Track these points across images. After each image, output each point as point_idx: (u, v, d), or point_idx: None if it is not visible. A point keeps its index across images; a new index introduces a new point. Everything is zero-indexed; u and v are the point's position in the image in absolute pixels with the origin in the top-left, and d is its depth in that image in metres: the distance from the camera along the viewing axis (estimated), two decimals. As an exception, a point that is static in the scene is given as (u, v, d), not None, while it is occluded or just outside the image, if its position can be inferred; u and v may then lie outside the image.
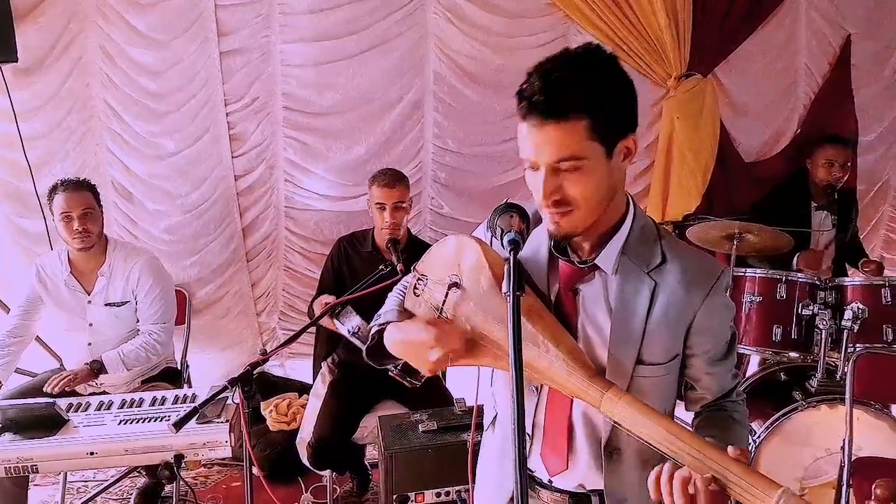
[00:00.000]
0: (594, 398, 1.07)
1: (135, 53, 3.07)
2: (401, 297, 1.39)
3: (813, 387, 2.68)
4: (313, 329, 3.37)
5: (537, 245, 1.23)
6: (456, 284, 1.22)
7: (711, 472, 0.94)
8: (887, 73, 3.90)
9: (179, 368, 2.95)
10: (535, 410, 1.27)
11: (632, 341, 1.15)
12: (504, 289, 0.98)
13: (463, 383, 2.47)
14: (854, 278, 2.79)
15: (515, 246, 1.06)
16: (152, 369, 2.80)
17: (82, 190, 2.63)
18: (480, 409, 1.42)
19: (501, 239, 1.09)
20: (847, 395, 2.40)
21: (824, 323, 2.61)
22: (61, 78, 3.06)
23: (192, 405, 1.65)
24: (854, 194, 3.68)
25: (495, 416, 1.39)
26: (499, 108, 3.29)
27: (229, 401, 2.17)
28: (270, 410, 3.33)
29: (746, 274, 2.82)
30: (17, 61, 2.79)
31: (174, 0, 3.02)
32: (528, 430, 1.28)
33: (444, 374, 2.91)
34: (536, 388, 1.26)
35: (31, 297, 2.69)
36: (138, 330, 2.74)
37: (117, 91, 3.11)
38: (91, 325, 2.68)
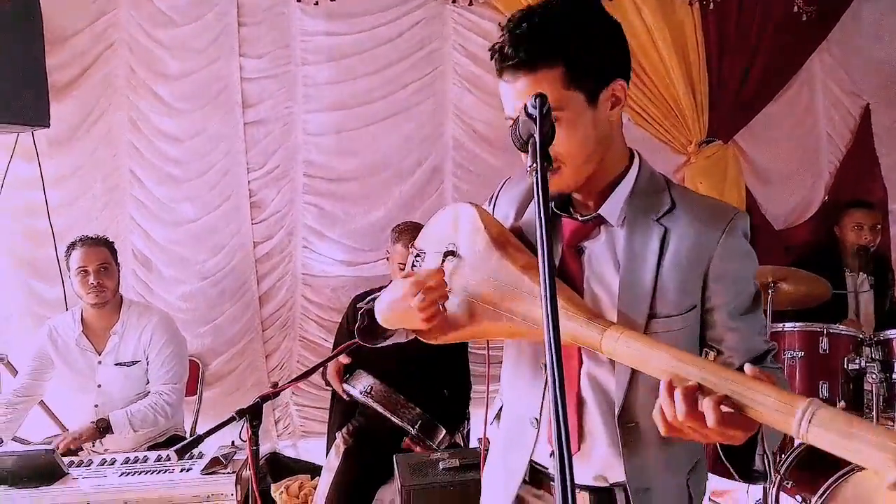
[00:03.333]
0: (594, 339, 0.98)
1: (160, 121, 3.25)
2: None
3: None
4: (327, 402, 3.32)
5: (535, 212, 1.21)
6: (452, 253, 1.19)
7: (724, 393, 0.84)
8: (910, 141, 3.96)
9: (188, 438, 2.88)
10: (544, 392, 1.18)
11: (643, 294, 1.09)
12: (528, 161, 0.91)
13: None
14: (901, 330, 2.70)
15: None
16: (159, 435, 2.74)
17: (99, 246, 2.70)
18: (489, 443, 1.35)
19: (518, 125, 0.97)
20: None
21: (874, 377, 2.52)
22: (91, 148, 3.23)
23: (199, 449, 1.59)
24: (889, 261, 3.64)
25: (500, 409, 1.32)
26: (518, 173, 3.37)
27: (237, 440, 2.09)
28: (281, 492, 3.21)
29: (785, 328, 2.76)
30: (48, 126, 2.96)
31: (201, 72, 3.23)
32: (536, 413, 1.19)
33: (466, 437, 2.80)
34: (545, 366, 1.19)
35: (42, 357, 2.70)
36: (147, 392, 2.70)
37: (142, 159, 3.26)
38: (99, 385, 2.66)
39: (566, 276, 1.14)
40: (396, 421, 2.54)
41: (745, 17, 3.57)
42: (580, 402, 1.16)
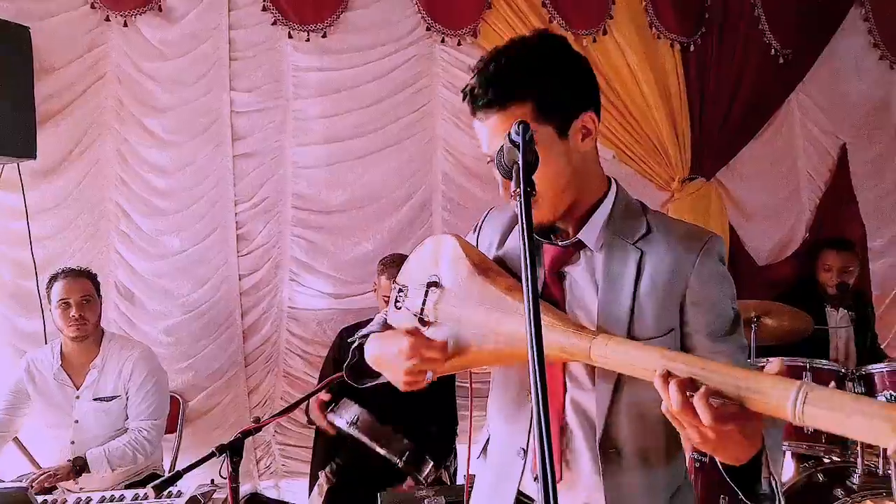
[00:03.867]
0: (583, 348, 0.99)
1: (148, 154, 3.25)
2: (384, 316, 1.38)
3: (855, 484, 2.55)
4: (310, 441, 3.27)
5: (517, 237, 1.23)
6: (434, 284, 1.21)
7: (716, 385, 0.84)
8: (886, 180, 4.07)
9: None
10: (531, 421, 1.18)
11: (621, 316, 1.11)
12: (512, 187, 0.94)
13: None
14: (882, 365, 2.73)
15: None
16: (137, 473, 2.68)
17: (82, 278, 2.67)
18: (473, 479, 1.35)
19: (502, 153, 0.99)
20: (894, 489, 2.28)
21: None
22: (76, 180, 3.21)
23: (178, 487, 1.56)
24: (869, 297, 3.70)
25: (487, 441, 1.31)
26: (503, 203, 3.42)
27: (217, 477, 2.04)
28: (262, 532, 3.13)
29: (769, 363, 2.77)
30: (35, 158, 2.95)
31: (191, 105, 3.24)
32: (524, 444, 1.20)
33: (453, 475, 2.77)
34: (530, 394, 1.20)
35: (18, 392, 2.64)
36: (126, 429, 2.65)
37: (128, 190, 3.25)
38: (77, 421, 2.61)
39: (549, 302, 1.16)
40: (383, 452, 2.50)
41: (724, 60, 3.70)
42: (564, 430, 1.17)
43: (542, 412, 0.79)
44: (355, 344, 1.33)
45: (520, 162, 0.93)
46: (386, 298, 2.70)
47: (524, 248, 0.88)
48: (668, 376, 0.86)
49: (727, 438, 0.86)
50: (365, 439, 2.52)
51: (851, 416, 0.72)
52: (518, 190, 0.92)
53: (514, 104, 1.07)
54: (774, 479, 0.97)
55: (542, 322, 1.01)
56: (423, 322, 1.21)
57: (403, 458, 2.48)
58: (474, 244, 1.30)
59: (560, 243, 1.18)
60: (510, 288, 1.12)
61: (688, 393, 0.84)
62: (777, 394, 0.77)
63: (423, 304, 1.22)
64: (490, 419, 1.31)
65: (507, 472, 1.23)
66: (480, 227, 1.35)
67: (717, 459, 0.98)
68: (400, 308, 1.28)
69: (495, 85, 1.08)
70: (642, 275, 1.12)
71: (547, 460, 0.78)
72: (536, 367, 0.81)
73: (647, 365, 0.90)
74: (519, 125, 0.95)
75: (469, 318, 1.14)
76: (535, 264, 1.12)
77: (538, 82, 1.08)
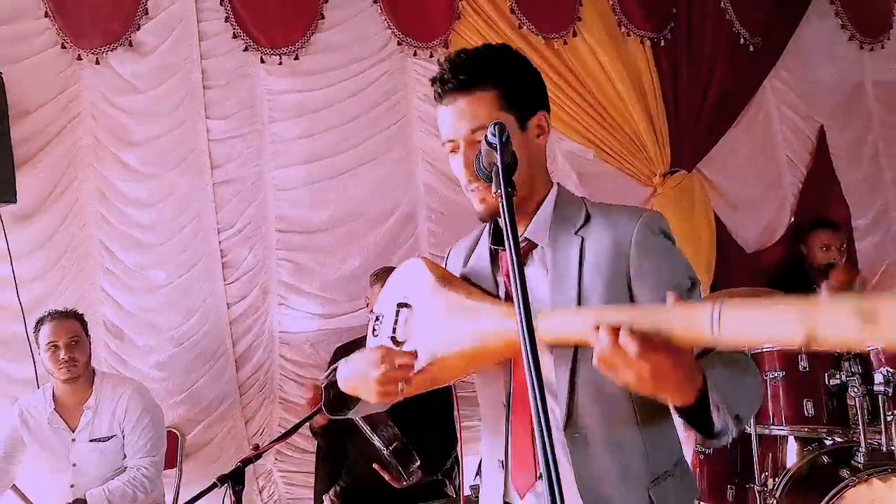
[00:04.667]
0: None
1: (127, 188, 3.27)
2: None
3: (860, 462, 2.56)
4: (312, 466, 3.27)
5: (479, 252, 1.31)
6: (404, 304, 1.26)
7: (640, 327, 0.88)
8: (865, 160, 4.14)
9: (169, 513, 2.82)
10: (507, 429, 1.22)
11: (570, 302, 1.16)
12: (493, 189, 0.99)
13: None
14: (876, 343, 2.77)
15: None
16: (139, 512, 2.67)
17: (69, 319, 2.68)
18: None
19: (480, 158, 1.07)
20: (900, 464, 2.31)
21: (856, 391, 2.56)
22: (57, 220, 3.21)
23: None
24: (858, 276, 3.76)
25: (480, 465, 1.35)
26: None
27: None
28: (269, 562, 3.12)
29: (764, 350, 2.81)
30: (15, 202, 2.96)
31: (167, 136, 3.27)
32: (501, 455, 1.23)
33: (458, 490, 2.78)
34: (504, 402, 1.23)
35: (13, 440, 2.65)
36: (125, 468, 2.65)
37: (110, 227, 3.26)
38: (75, 464, 2.62)
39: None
40: (373, 438, 2.47)
41: (695, 52, 3.77)
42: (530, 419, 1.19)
43: (540, 409, 0.82)
44: (327, 381, 1.34)
45: (499, 163, 0.97)
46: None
47: (510, 247, 0.92)
48: (597, 329, 0.91)
49: (661, 374, 0.90)
50: (359, 422, 2.50)
51: (762, 322, 0.76)
52: (500, 192, 0.96)
53: (480, 89, 1.15)
54: (723, 410, 0.98)
55: (497, 310, 1.11)
56: (395, 342, 1.25)
57: (391, 448, 2.44)
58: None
59: None
60: (471, 292, 1.20)
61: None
62: (694, 315, 0.81)
63: (395, 324, 1.26)
64: (481, 436, 1.36)
65: (493, 485, 1.27)
66: (447, 259, 1.43)
67: (670, 406, 1.00)
68: (377, 335, 1.33)
69: (463, 70, 1.16)
70: (584, 260, 1.17)
71: (551, 464, 0.81)
72: (531, 361, 0.85)
73: (583, 322, 0.95)
74: (495, 126, 0.99)
75: (437, 329, 1.19)
76: (521, 261, 1.12)
77: (504, 72, 1.17)
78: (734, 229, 3.90)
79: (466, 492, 2.79)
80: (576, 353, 1.13)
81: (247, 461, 1.86)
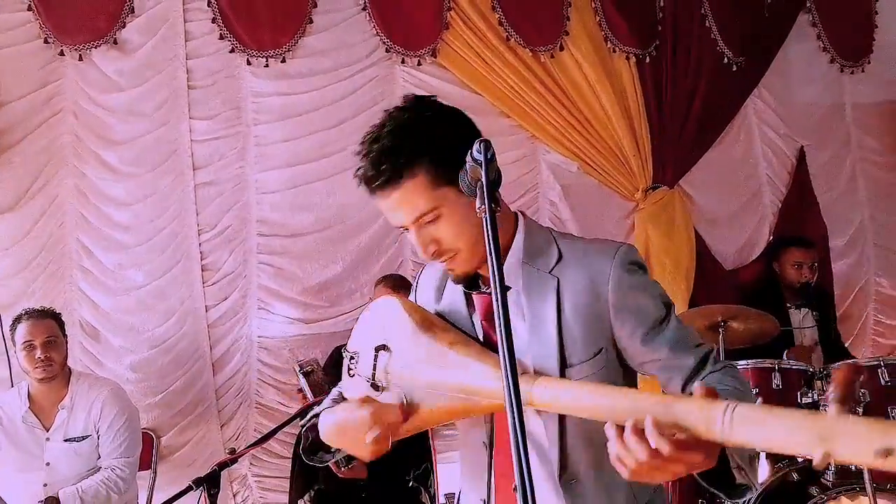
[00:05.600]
0: (525, 393, 1.02)
1: (107, 187, 3.28)
2: (337, 390, 1.40)
3: (829, 481, 2.66)
4: (287, 471, 3.29)
5: (452, 291, 1.29)
6: (382, 347, 1.25)
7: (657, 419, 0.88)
8: (842, 180, 4.27)
9: (141, 515, 2.83)
10: (490, 467, 1.24)
11: (551, 347, 1.16)
12: (478, 205, 0.98)
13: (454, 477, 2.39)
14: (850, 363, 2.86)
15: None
16: (111, 513, 2.68)
17: (46, 318, 2.69)
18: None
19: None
20: (867, 485, 2.38)
21: (826, 409, 2.64)
22: (34, 218, 3.22)
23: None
24: (831, 296, 3.88)
25: (459, 493, 1.38)
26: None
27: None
28: (241, 568, 3.13)
29: (738, 366, 2.89)
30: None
31: (149, 136, 3.29)
32: (484, 495, 1.25)
33: (433, 498, 2.82)
34: (486, 443, 1.25)
35: (-15, 438, 2.64)
36: (98, 468, 2.67)
37: (88, 226, 3.27)
38: (48, 463, 2.63)
39: (490, 348, 1.20)
40: None
41: (679, 69, 3.88)
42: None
43: (521, 451, 0.85)
44: (306, 426, 1.35)
45: (483, 180, 0.98)
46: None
47: (492, 267, 0.92)
48: (623, 433, 0.89)
49: (695, 468, 0.90)
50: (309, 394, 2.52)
51: (776, 431, 0.77)
52: (483, 207, 0.97)
53: (407, 178, 1.11)
54: (745, 466, 0.98)
55: (485, 370, 1.10)
56: (375, 387, 1.24)
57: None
58: (413, 298, 1.38)
59: (486, 291, 1.23)
60: (453, 343, 1.18)
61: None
62: (706, 416, 0.82)
63: (374, 368, 1.25)
64: (460, 471, 1.39)
65: None
66: (417, 285, 1.43)
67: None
68: (353, 375, 1.32)
69: (384, 165, 1.11)
70: (562, 301, 1.17)
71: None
72: (512, 397, 0.87)
73: (589, 404, 0.97)
74: (480, 143, 0.99)
75: (419, 379, 1.19)
76: (504, 280, 1.13)
77: (424, 150, 1.12)
78: (713, 245, 4.00)
79: (441, 500, 2.84)
80: (563, 377, 1.15)
81: (223, 465, 1.89)
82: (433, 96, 1.22)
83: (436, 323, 1.26)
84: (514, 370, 0.89)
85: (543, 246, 1.22)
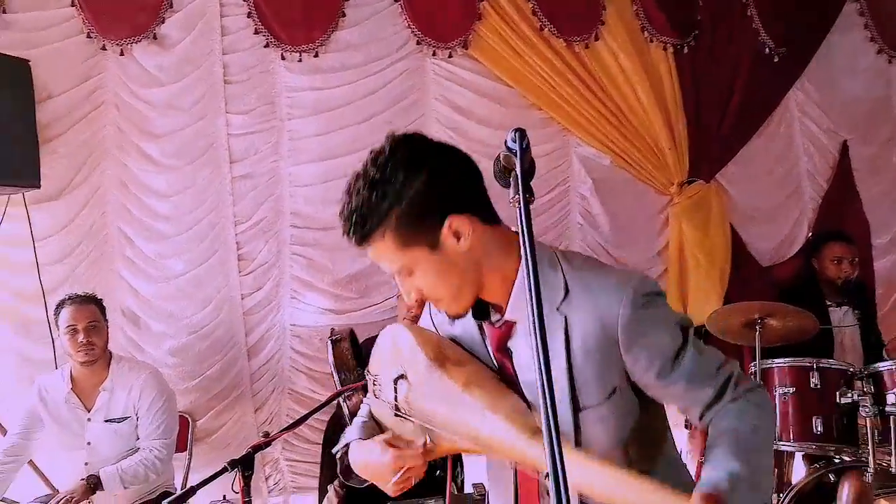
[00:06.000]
0: (537, 458, 1.04)
1: (147, 179, 3.40)
2: (368, 405, 1.46)
3: (867, 483, 2.60)
4: (318, 457, 3.37)
5: (465, 321, 1.27)
6: (401, 377, 1.28)
7: None
8: (887, 176, 4.14)
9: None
10: (515, 492, 1.28)
11: (562, 391, 1.13)
12: (511, 194, 0.95)
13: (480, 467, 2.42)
14: (890, 363, 2.78)
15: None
16: (149, 492, 2.81)
17: (88, 304, 2.81)
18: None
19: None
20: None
21: (867, 410, 2.58)
22: (78, 206, 3.35)
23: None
24: (872, 292, 3.77)
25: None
26: (504, 215, 3.51)
27: (229, 493, 2.15)
28: (272, 549, 3.22)
29: (775, 365, 2.86)
30: (39, 187, 3.09)
31: (188, 129, 3.40)
32: None
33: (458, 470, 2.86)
34: (512, 465, 1.28)
35: (31, 416, 2.78)
36: (137, 448, 2.78)
37: (129, 216, 3.40)
38: (89, 443, 2.74)
39: (505, 380, 1.21)
40: (336, 378, 2.56)
41: (718, 60, 3.81)
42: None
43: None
44: (340, 452, 1.42)
45: (518, 170, 0.94)
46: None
47: (527, 263, 0.89)
48: None
49: None
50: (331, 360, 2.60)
51: None
52: (517, 197, 0.93)
53: (377, 241, 1.13)
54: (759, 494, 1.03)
55: (498, 422, 1.11)
56: (398, 415, 1.29)
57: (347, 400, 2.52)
58: (429, 317, 1.38)
59: (496, 323, 1.22)
60: (468, 384, 1.17)
61: None
62: None
63: (395, 398, 1.29)
64: (488, 483, 1.45)
65: None
66: (431, 309, 1.41)
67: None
68: (378, 397, 1.37)
69: (355, 227, 1.12)
70: (571, 343, 1.14)
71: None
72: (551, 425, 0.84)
73: (606, 487, 1.03)
74: (516, 132, 0.95)
75: (436, 414, 1.21)
76: (487, 347, 1.21)
77: (392, 212, 1.10)
78: (750, 242, 3.93)
79: (468, 489, 2.87)
80: (577, 421, 1.16)
81: (257, 448, 1.93)
82: (419, 134, 1.21)
83: (449, 357, 1.24)
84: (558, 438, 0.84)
85: (550, 276, 1.17)
